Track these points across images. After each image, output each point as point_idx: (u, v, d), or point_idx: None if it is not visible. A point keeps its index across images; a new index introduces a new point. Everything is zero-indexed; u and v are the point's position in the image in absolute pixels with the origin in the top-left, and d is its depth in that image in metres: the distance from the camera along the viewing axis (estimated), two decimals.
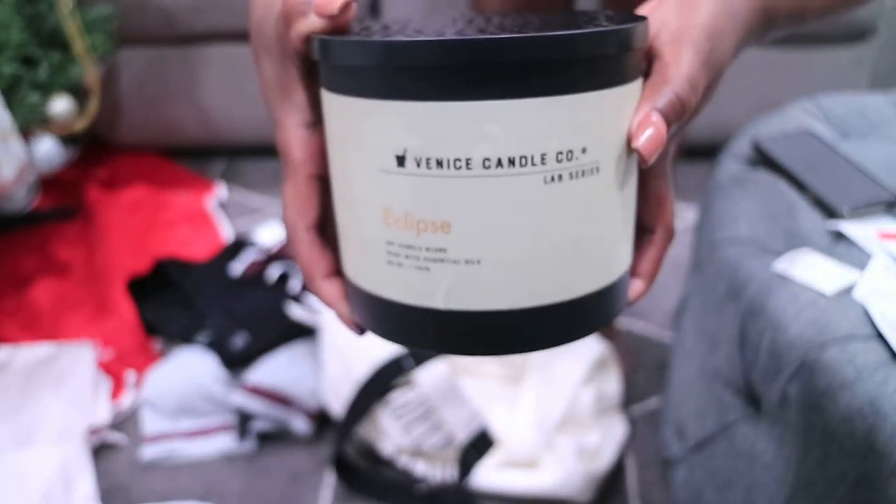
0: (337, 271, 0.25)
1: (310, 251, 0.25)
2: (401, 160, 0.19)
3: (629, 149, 0.20)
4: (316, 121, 0.25)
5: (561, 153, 0.18)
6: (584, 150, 0.19)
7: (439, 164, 0.18)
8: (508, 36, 0.17)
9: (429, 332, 0.20)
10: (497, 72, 0.17)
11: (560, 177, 0.19)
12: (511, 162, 0.18)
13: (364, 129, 0.19)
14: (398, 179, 0.19)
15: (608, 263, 0.21)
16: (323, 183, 0.25)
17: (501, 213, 0.19)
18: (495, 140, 0.18)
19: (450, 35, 0.17)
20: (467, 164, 0.18)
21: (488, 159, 0.18)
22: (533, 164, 0.18)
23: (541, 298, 0.20)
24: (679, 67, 0.23)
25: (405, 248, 0.20)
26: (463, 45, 0.17)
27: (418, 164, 0.19)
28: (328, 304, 0.25)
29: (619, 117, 0.20)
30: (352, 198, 0.21)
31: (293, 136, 0.25)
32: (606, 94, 0.19)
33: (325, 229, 0.25)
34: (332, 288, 0.25)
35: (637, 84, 0.21)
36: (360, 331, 0.24)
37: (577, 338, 0.21)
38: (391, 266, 0.20)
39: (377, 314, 0.22)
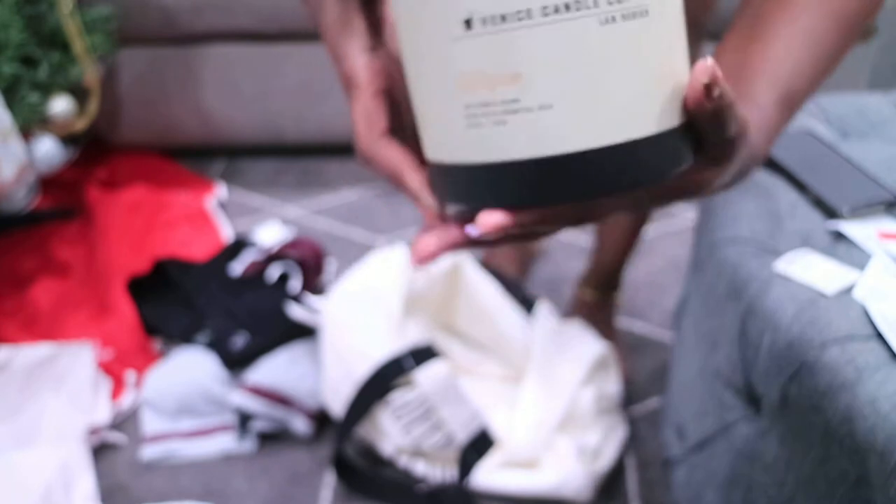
0: (420, 164, 0.27)
1: (388, 151, 0.27)
2: (468, 23, 0.21)
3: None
4: (375, 45, 0.28)
5: None
6: None
7: (503, 18, 0.20)
8: None
9: (511, 186, 0.22)
10: None
11: (614, 18, 0.20)
12: (567, 7, 0.20)
13: (431, 2, 0.21)
14: (469, 42, 0.21)
15: (668, 106, 0.22)
16: (388, 98, 0.27)
17: (565, 57, 0.20)
18: None
19: None
20: (528, 13, 0.20)
21: (546, 7, 0.20)
22: (587, 7, 0.20)
23: (608, 138, 0.21)
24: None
25: (482, 108, 0.21)
26: None
27: (484, 23, 0.20)
28: (417, 194, 0.26)
29: None
30: (429, 74, 0.23)
31: (357, 61, 0.28)
32: None
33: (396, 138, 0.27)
34: (420, 178, 0.26)
35: None
36: (444, 215, 0.26)
37: (641, 183, 0.22)
38: (471, 129, 0.22)
39: (461, 182, 0.23)
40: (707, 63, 0.22)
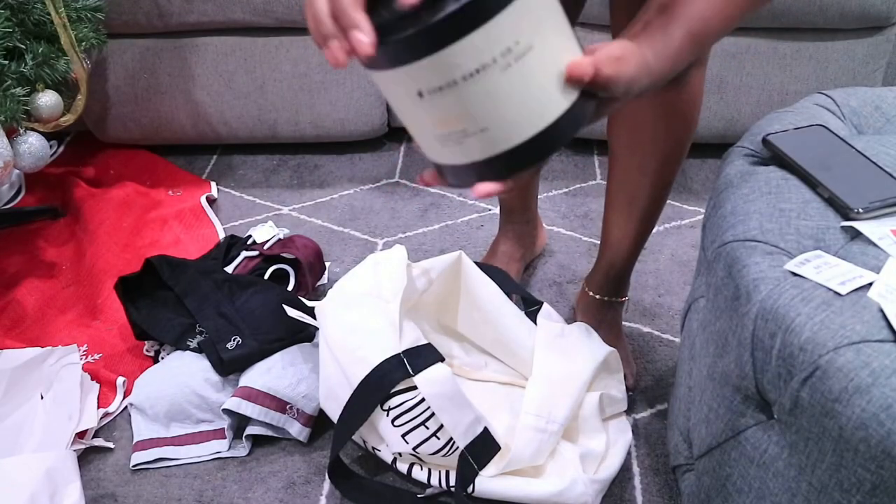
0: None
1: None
2: (420, 94, 0.33)
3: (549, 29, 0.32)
4: None
5: (503, 52, 0.30)
6: (517, 43, 0.31)
7: (440, 88, 0.32)
8: (448, 11, 0.29)
9: (475, 173, 0.35)
10: (449, 28, 0.29)
11: (509, 64, 0.31)
12: (476, 71, 0.31)
13: (397, 82, 0.33)
14: (423, 103, 0.33)
15: (565, 90, 0.34)
16: None
17: (485, 99, 0.32)
18: (464, 64, 0.30)
19: (419, 24, 0.30)
20: (454, 82, 0.31)
21: (464, 75, 0.31)
22: (490, 65, 0.31)
23: (528, 133, 0.33)
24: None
25: (445, 136, 0.35)
26: (430, 25, 0.29)
27: (430, 93, 0.32)
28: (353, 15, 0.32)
29: (531, 10, 0.31)
30: (407, 119, 0.36)
31: None
32: (507, 11, 0.30)
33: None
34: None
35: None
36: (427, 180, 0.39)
37: (561, 144, 0.35)
38: (443, 147, 0.35)
39: (448, 172, 0.37)
40: (580, 66, 0.35)
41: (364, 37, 0.31)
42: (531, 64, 0.31)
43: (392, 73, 0.32)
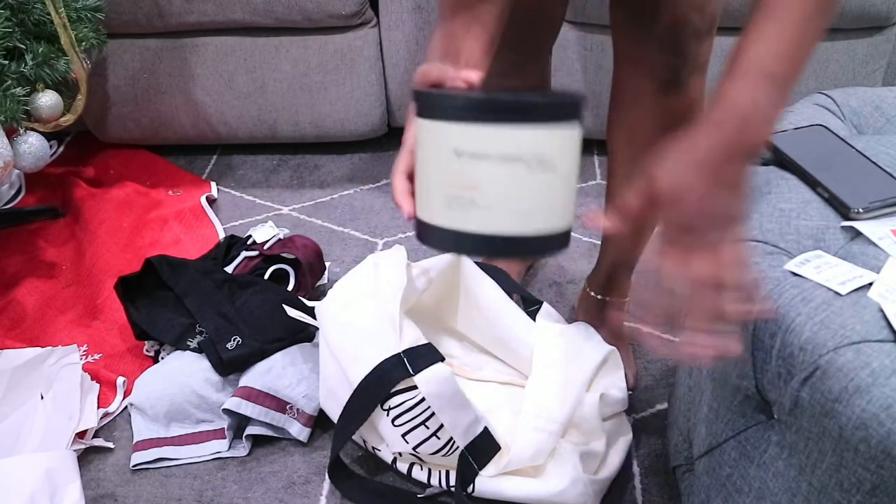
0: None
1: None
2: (457, 152, 0.36)
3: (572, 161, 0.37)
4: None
5: (535, 157, 0.35)
6: (549, 157, 0.36)
7: (474, 154, 0.36)
8: (506, 99, 0.35)
9: (458, 242, 0.38)
10: (514, 111, 0.35)
11: (533, 168, 0.36)
12: (511, 157, 0.35)
13: (438, 137, 0.37)
14: (456, 162, 0.36)
15: (558, 217, 0.38)
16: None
17: (504, 184, 0.36)
18: (503, 147, 0.35)
19: (477, 95, 0.36)
20: (487, 154, 0.35)
21: (500, 154, 0.35)
22: (520, 159, 0.35)
23: (520, 232, 0.37)
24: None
25: (455, 198, 0.37)
26: (486, 102, 0.35)
27: (465, 155, 0.36)
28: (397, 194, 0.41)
29: (563, 139, 0.36)
30: (429, 170, 0.39)
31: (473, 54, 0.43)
32: (553, 128, 0.36)
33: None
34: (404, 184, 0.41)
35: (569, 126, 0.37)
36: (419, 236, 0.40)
37: (535, 255, 0.39)
38: (447, 208, 0.38)
39: (435, 235, 0.39)
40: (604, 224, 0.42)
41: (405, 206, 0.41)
42: (549, 180, 0.35)
43: (445, 125, 0.36)
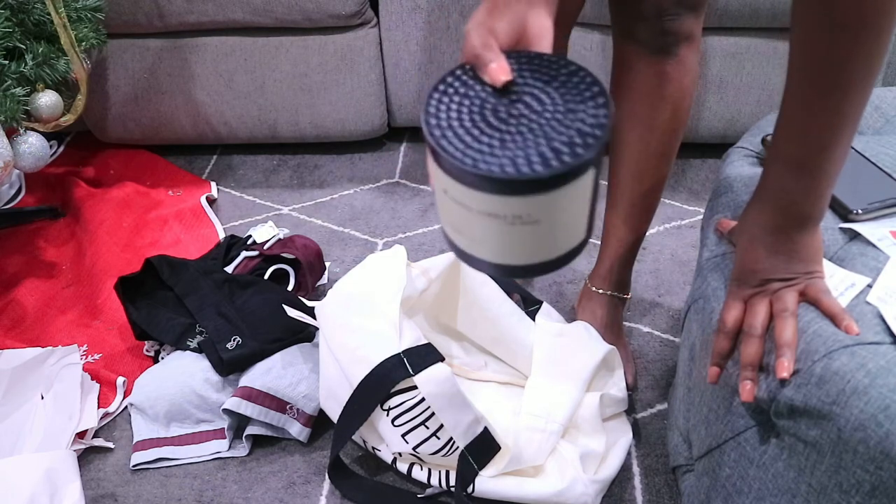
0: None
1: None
2: (445, 191, 0.37)
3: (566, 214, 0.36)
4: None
5: (515, 215, 0.35)
6: (528, 215, 0.35)
7: (461, 205, 0.36)
8: (512, 177, 0.34)
9: (469, 261, 0.40)
10: (485, 182, 0.34)
11: (514, 224, 0.36)
12: (489, 215, 0.36)
13: (434, 170, 0.38)
14: (448, 201, 0.37)
15: (547, 252, 0.39)
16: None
17: (486, 233, 0.37)
18: (480, 206, 0.36)
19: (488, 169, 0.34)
20: (469, 208, 0.36)
21: (479, 211, 0.36)
22: (502, 217, 0.36)
23: (511, 262, 0.38)
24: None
25: (457, 230, 0.39)
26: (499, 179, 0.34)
27: (454, 201, 0.37)
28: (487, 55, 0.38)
29: (549, 201, 0.35)
30: (441, 205, 0.40)
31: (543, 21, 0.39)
32: (537, 195, 0.35)
33: None
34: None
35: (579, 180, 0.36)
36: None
37: (529, 276, 0.39)
38: (454, 231, 0.39)
39: (448, 243, 0.41)
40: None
41: (499, 69, 0.38)
42: (532, 230, 0.36)
43: (435, 165, 0.37)
